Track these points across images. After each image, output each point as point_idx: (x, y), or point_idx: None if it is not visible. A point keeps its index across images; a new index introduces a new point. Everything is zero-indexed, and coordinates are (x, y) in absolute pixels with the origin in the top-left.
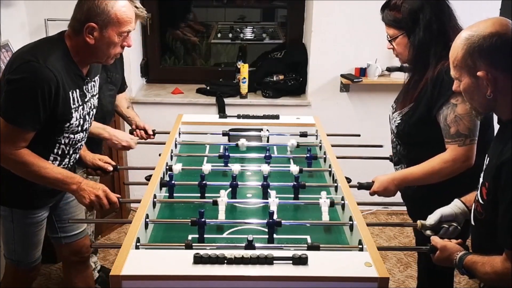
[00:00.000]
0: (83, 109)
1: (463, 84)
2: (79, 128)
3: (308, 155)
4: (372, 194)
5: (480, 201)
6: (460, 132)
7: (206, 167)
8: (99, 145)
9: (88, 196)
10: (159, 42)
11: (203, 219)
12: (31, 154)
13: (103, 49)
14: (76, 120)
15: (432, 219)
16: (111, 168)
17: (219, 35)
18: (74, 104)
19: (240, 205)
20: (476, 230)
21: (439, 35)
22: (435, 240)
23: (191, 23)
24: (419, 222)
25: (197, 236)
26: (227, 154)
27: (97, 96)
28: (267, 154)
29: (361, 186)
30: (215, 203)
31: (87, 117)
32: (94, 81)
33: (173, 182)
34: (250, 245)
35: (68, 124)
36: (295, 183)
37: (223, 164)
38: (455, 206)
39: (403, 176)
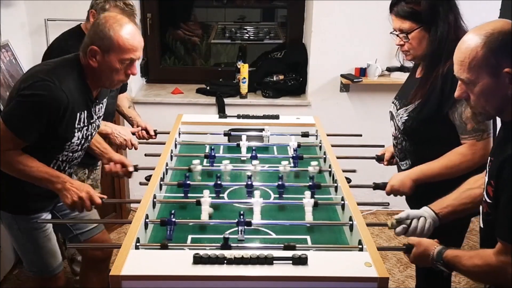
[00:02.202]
0: (87, 129)
1: (481, 85)
2: (79, 147)
3: (294, 155)
4: (388, 192)
5: (488, 200)
6: (477, 127)
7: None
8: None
9: (71, 196)
10: (159, 42)
11: (173, 219)
12: (18, 152)
13: (106, 74)
14: (78, 140)
15: (400, 214)
16: (132, 168)
17: (219, 35)
18: (79, 124)
19: (240, 205)
20: (485, 231)
21: (454, 29)
22: (411, 238)
23: (190, 24)
24: (388, 221)
25: (197, 236)
26: (213, 154)
27: (102, 117)
28: (253, 154)
29: (376, 186)
30: (198, 203)
31: (89, 137)
32: (102, 104)
33: (188, 182)
34: (226, 244)
35: (69, 143)
36: (310, 183)
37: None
38: (423, 210)
39: (421, 171)
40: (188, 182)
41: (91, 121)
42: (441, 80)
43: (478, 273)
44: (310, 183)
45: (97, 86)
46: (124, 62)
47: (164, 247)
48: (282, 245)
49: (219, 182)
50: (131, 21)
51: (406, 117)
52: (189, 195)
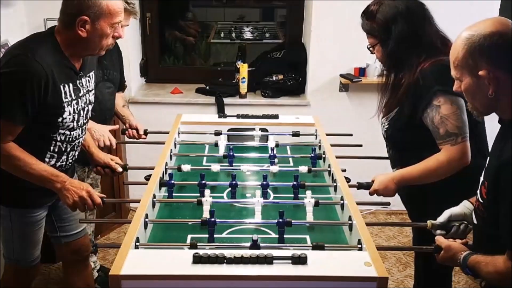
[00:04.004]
0: (77, 103)
1: (464, 84)
2: (74, 124)
3: (312, 154)
4: (371, 193)
5: (480, 200)
6: (450, 131)
7: (215, 167)
8: None
9: (72, 196)
10: (158, 41)
11: (213, 219)
12: (18, 148)
13: (96, 41)
14: (70, 115)
15: (441, 218)
16: (120, 169)
17: (219, 34)
18: (66, 98)
19: (239, 205)
20: (478, 228)
21: (412, 45)
22: (440, 240)
23: (188, 23)
24: (429, 222)
25: (196, 236)
26: (232, 154)
27: (93, 92)
28: (272, 154)
29: (360, 186)
30: (200, 202)
31: (81, 112)
32: (89, 77)
33: (172, 181)
34: (255, 245)
35: (61, 118)
36: (294, 182)
37: (227, 164)
38: (464, 206)
39: (402, 175)
40: (172, 181)
41: (80, 94)
42: (412, 88)
43: (492, 280)
44: (294, 183)
45: (79, 56)
46: (113, 26)
47: (193, 246)
48: (282, 245)
49: (203, 181)
50: None
51: (387, 126)
52: (183, 194)
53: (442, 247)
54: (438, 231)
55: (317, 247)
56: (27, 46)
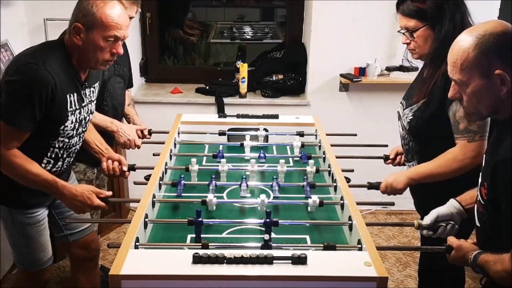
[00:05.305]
0: (79, 113)
1: (473, 87)
2: (74, 132)
3: (301, 154)
4: (383, 191)
5: (481, 201)
6: (469, 128)
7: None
8: (109, 143)
9: (73, 201)
10: (158, 41)
11: (200, 219)
12: (21, 156)
13: (90, 52)
14: (72, 124)
15: (428, 219)
16: (128, 174)
17: (219, 34)
18: (71, 107)
19: (239, 204)
20: (481, 231)
21: (461, 28)
22: (451, 239)
23: (189, 23)
24: (416, 221)
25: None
26: (221, 154)
27: (95, 102)
28: (261, 154)
29: (371, 186)
30: (204, 202)
31: (83, 122)
32: (94, 87)
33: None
34: (266, 245)
35: (63, 126)
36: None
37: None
38: (451, 205)
39: (416, 170)
40: (182, 182)
41: (83, 104)
42: (444, 78)
43: (500, 278)
44: (305, 183)
45: (83, 67)
46: (108, 40)
47: (205, 247)
48: (281, 245)
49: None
50: (117, 1)
51: (411, 117)
52: (183, 194)
53: (453, 246)
54: (425, 231)
55: (328, 247)
56: (38, 54)
